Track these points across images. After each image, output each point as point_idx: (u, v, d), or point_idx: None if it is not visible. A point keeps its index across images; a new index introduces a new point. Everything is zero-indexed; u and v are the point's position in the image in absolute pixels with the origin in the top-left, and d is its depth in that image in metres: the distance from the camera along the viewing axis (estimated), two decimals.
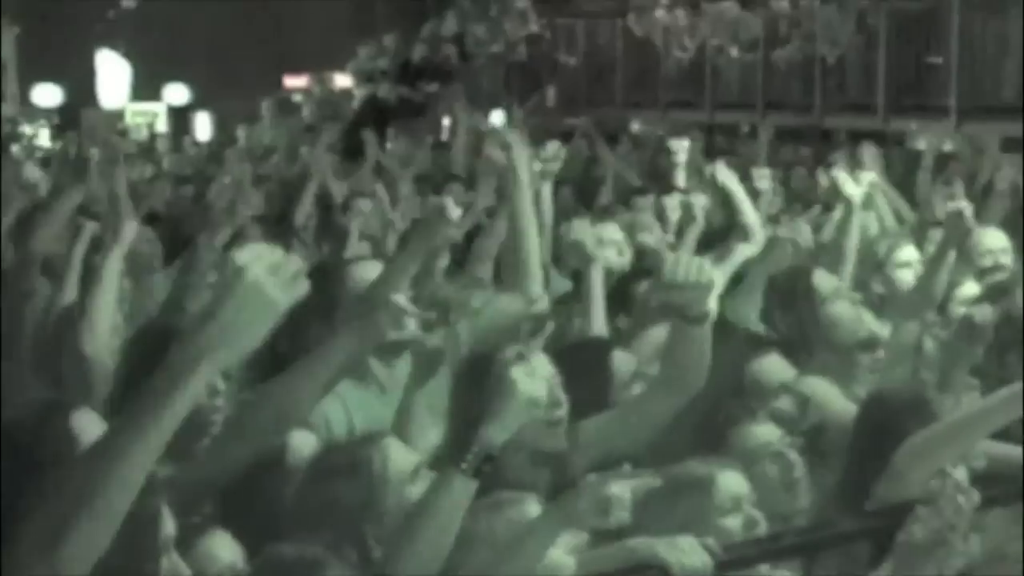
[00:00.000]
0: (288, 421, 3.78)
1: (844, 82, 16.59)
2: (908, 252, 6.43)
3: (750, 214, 7.51)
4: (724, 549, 3.27)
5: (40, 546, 2.35)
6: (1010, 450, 4.25)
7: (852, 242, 6.59)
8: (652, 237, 7.32)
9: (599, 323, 5.14)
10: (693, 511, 3.55)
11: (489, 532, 3.22)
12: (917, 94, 15.42)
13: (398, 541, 3.28)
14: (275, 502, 3.69)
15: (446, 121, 20.51)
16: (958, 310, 5.76)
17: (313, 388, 3.81)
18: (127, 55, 25.09)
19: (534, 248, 5.10)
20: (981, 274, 6.25)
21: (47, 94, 24.29)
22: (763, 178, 8.09)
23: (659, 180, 9.74)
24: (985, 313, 4.82)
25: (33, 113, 23.93)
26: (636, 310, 5.53)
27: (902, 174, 10.29)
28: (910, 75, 15.64)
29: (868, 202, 7.24)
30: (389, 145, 14.21)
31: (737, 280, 5.35)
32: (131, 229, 5.77)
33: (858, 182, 6.88)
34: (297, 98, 23.98)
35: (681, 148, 8.44)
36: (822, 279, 5.32)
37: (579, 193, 9.91)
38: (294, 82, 24.86)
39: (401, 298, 3.87)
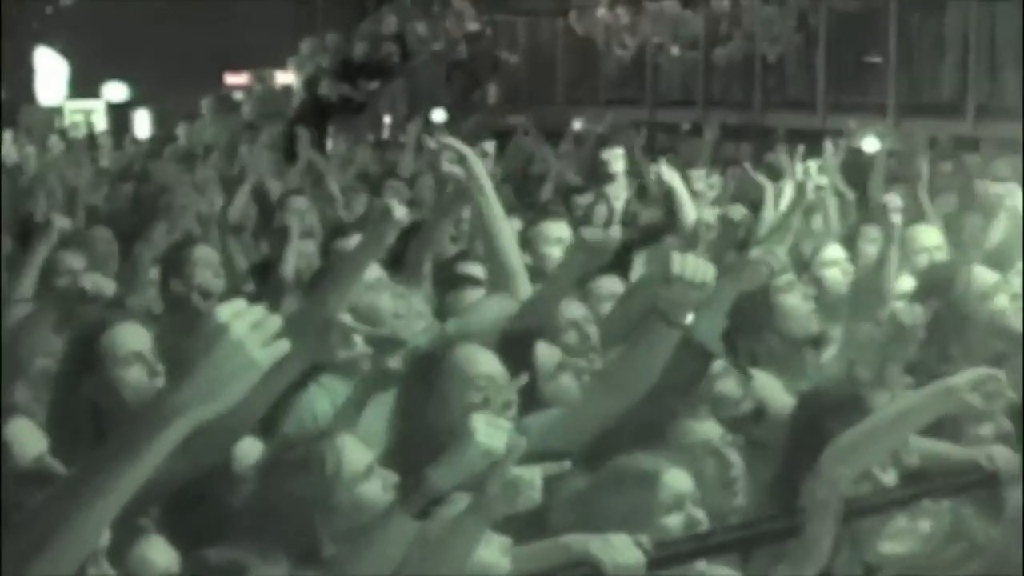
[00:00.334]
0: (234, 436, 3.75)
1: (784, 80, 16.70)
2: (833, 251, 6.48)
3: (690, 214, 7.55)
4: (657, 546, 3.28)
5: None
6: (943, 447, 4.29)
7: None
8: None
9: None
10: (636, 506, 3.55)
11: (420, 535, 3.20)
12: (856, 92, 15.55)
13: (340, 567, 3.26)
14: (219, 507, 3.67)
15: (387, 119, 20.49)
16: (894, 305, 5.81)
17: (260, 403, 3.78)
18: (65, 52, 24.91)
19: (513, 248, 5.12)
20: (917, 271, 6.30)
21: None
22: (699, 179, 8.12)
23: (600, 178, 9.76)
24: (916, 312, 4.85)
25: None
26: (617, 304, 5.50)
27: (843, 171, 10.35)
28: (849, 73, 15.76)
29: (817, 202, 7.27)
30: (330, 143, 14.18)
31: None
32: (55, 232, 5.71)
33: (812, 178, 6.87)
34: (238, 95, 23.87)
35: (615, 157, 8.47)
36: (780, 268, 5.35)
37: (519, 191, 9.91)
38: (235, 79, 24.76)
39: (348, 317, 3.86)
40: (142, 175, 12.23)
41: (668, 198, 7.77)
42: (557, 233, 6.44)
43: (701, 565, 3.56)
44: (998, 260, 6.14)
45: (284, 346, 2.32)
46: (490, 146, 6.67)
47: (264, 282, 7.04)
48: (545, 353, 4.51)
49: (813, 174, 6.70)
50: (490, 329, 4.76)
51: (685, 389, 4.16)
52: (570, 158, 12.38)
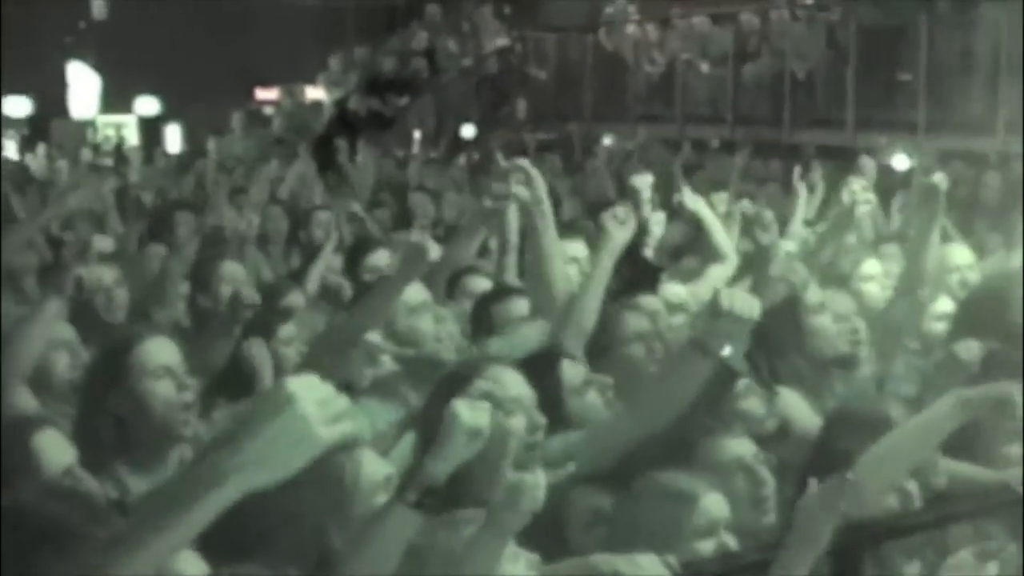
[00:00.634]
0: None
1: (813, 97, 16.65)
2: (871, 266, 6.45)
3: (721, 236, 7.52)
4: (684, 567, 3.25)
5: None
6: (971, 469, 4.26)
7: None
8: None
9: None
10: (669, 527, 3.54)
11: (446, 552, 3.20)
12: (886, 110, 15.49)
13: (340, 565, 3.26)
14: (245, 519, 3.67)
15: (416, 134, 20.51)
16: (933, 326, 5.77)
17: None
18: (97, 66, 25.01)
19: (563, 277, 5.17)
20: (952, 292, 6.24)
21: (17, 105, 24.18)
22: (721, 203, 8.07)
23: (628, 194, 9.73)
24: (972, 349, 4.80)
25: (3, 124, 23.83)
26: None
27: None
28: (879, 91, 15.70)
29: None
30: (359, 158, 14.21)
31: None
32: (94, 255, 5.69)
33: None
34: (268, 110, 23.93)
35: (645, 185, 8.43)
36: (810, 290, 5.31)
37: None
38: (265, 94, 24.82)
39: (375, 336, 3.87)
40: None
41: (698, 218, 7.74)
42: (572, 252, 6.43)
43: None
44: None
45: (348, 427, 2.34)
46: (524, 162, 6.69)
47: None
48: (571, 370, 4.51)
49: (859, 191, 6.58)
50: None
51: (709, 408, 4.15)
52: (600, 174, 12.38)
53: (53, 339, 4.90)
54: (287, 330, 5.28)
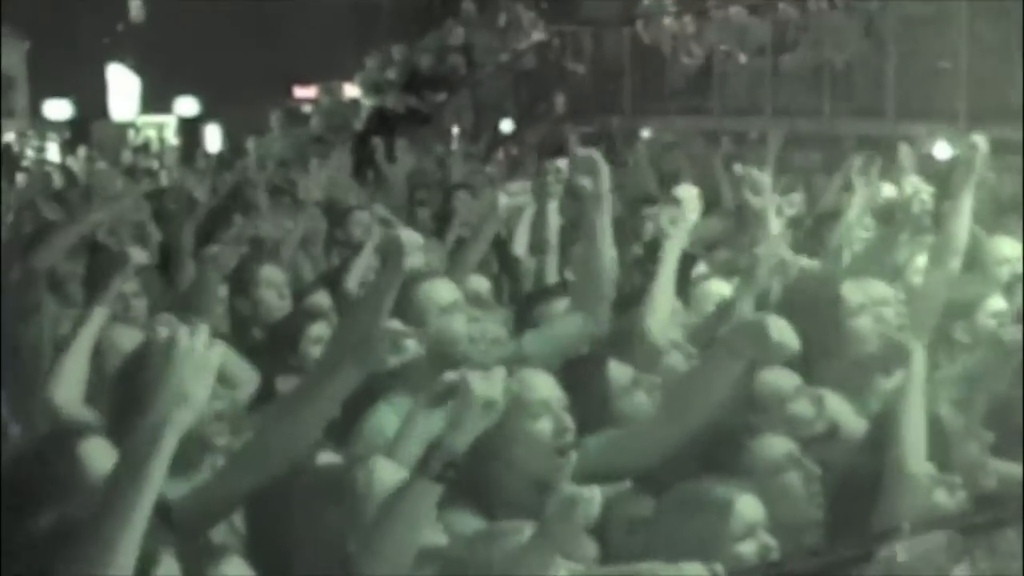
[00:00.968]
0: (295, 451, 3.76)
1: (853, 87, 16.55)
2: (924, 260, 6.34)
3: (773, 229, 7.46)
4: (730, 574, 3.22)
5: None
6: (1019, 470, 4.20)
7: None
8: None
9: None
10: (707, 534, 3.51)
11: (486, 564, 3.18)
12: (926, 98, 15.38)
13: (365, 546, 3.28)
14: (271, 534, 3.69)
15: (454, 130, 20.51)
16: (987, 322, 5.67)
17: (317, 417, 3.80)
18: (137, 68, 25.14)
19: (609, 274, 5.08)
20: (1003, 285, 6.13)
21: (58, 108, 24.33)
22: (794, 205, 7.96)
23: (669, 187, 9.67)
24: (1016, 333, 4.70)
25: (44, 127, 23.98)
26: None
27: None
28: (919, 79, 15.60)
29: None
30: (398, 155, 14.22)
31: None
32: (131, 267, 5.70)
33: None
34: (306, 109, 24.00)
35: (690, 197, 8.36)
36: (850, 291, 5.24)
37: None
38: (303, 93, 24.89)
39: (397, 323, 3.85)
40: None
41: (741, 210, 7.69)
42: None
43: None
44: None
45: (221, 348, 2.76)
46: (562, 163, 6.66)
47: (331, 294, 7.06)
48: (618, 370, 4.48)
49: (922, 188, 6.45)
50: (566, 347, 4.76)
51: (736, 394, 4.11)
52: (639, 168, 12.33)
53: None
54: (316, 330, 5.28)
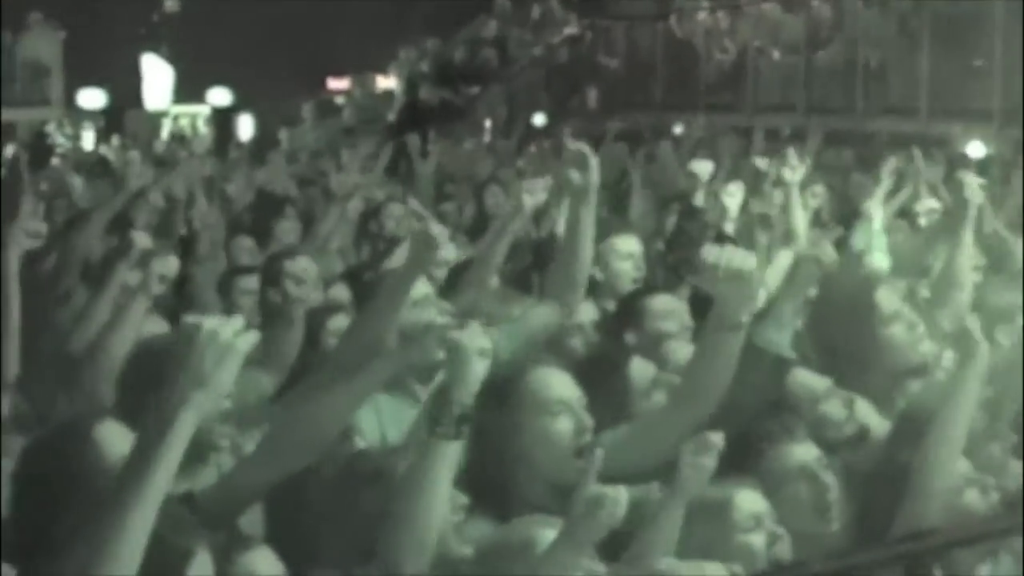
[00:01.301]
0: (324, 439, 3.78)
1: (886, 84, 16.50)
2: None
3: (798, 221, 7.46)
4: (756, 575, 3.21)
5: None
6: None
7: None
8: None
9: None
10: (713, 533, 3.51)
11: (510, 561, 3.18)
12: (960, 97, 15.33)
13: (390, 520, 3.29)
14: (307, 516, 3.70)
15: (487, 124, 20.51)
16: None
17: (350, 407, 3.82)
18: (170, 58, 25.16)
19: (586, 270, 5.02)
20: None
21: (92, 97, 24.39)
22: (817, 196, 7.92)
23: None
24: None
25: (79, 116, 24.06)
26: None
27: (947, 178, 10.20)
28: (953, 77, 15.54)
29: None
30: (430, 148, 14.22)
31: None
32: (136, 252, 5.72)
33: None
34: (339, 100, 24.00)
35: (704, 171, 8.34)
36: (885, 298, 5.20)
37: (611, 199, 9.85)
38: (336, 84, 24.88)
39: (441, 318, 3.87)
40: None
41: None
42: (628, 248, 6.38)
43: None
44: None
45: (252, 336, 2.69)
46: (594, 160, 6.66)
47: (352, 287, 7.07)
48: (639, 369, 4.47)
49: (972, 184, 6.36)
50: (537, 337, 4.74)
51: (765, 399, 4.09)
52: (668, 164, 12.31)
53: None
54: (335, 322, 5.29)
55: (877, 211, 7.60)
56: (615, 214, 9.13)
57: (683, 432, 3.78)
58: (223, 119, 25.06)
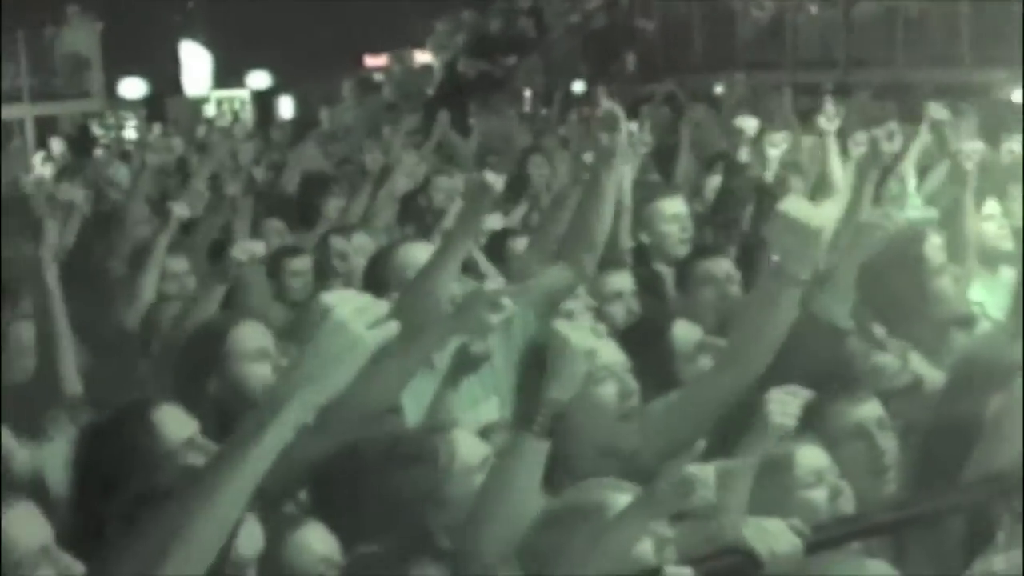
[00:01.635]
0: (374, 412, 3.78)
1: (927, 35, 16.36)
2: (991, 206, 6.30)
3: (838, 172, 7.44)
4: (813, 530, 3.19)
5: None
6: None
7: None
8: None
9: None
10: (775, 489, 3.47)
11: (576, 520, 3.16)
12: (1002, 44, 15.17)
13: (475, 514, 3.27)
14: (353, 500, 3.71)
15: (527, 93, 20.48)
16: None
17: (401, 379, 3.82)
18: (208, 44, 25.23)
19: (604, 227, 5.00)
20: None
21: (133, 87, 24.50)
22: (859, 144, 7.91)
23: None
24: None
25: (120, 106, 24.16)
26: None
27: (992, 126, 10.10)
28: (995, 25, 15.39)
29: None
30: (472, 120, 14.20)
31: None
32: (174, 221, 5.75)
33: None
34: (378, 77, 24.01)
35: (749, 127, 8.31)
36: (933, 250, 5.17)
37: (659, 161, 9.82)
38: (374, 61, 24.89)
39: (494, 287, 3.86)
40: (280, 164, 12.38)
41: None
42: (673, 210, 6.35)
43: (855, 548, 3.46)
44: None
45: (392, 327, 2.39)
46: (634, 126, 6.65)
47: None
48: (683, 333, 4.44)
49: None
50: (554, 298, 4.72)
51: (819, 370, 4.03)
52: (711, 125, 12.25)
53: None
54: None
55: (911, 169, 7.59)
56: (661, 176, 9.10)
57: (731, 394, 3.76)
58: (264, 101, 25.12)
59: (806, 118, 11.25)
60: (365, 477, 3.59)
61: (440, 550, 3.35)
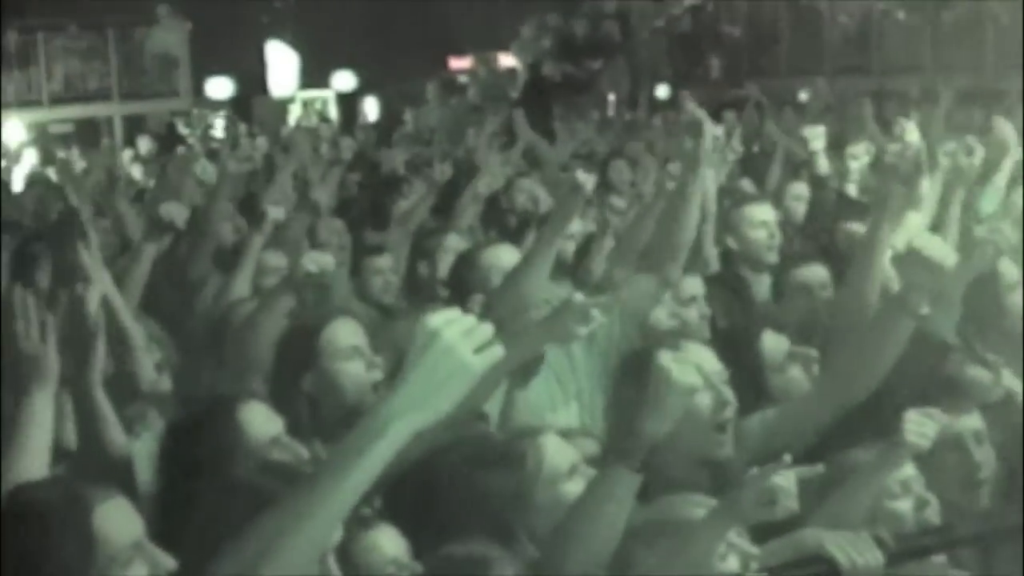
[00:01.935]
0: (463, 419, 3.78)
1: (1017, 41, 16.16)
2: None
3: (924, 183, 7.35)
4: (897, 540, 3.17)
5: None
6: None
7: None
8: None
9: None
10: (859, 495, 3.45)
11: (659, 534, 3.16)
12: None
13: (562, 536, 3.26)
14: (436, 499, 3.72)
15: (611, 97, 20.45)
16: None
17: (490, 386, 3.82)
18: (294, 44, 25.39)
19: (689, 235, 5.01)
20: None
21: (220, 87, 24.70)
22: (947, 154, 7.81)
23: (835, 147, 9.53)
24: None
25: (207, 106, 24.37)
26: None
27: None
28: None
29: None
30: (556, 124, 14.19)
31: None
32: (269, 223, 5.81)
33: None
34: (463, 79, 24.07)
35: (816, 136, 8.24)
36: (1007, 267, 5.13)
37: (746, 167, 9.77)
38: (459, 63, 24.96)
39: (580, 296, 3.88)
40: (370, 164, 12.45)
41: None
42: (762, 216, 6.34)
43: (940, 560, 3.43)
44: None
45: (497, 352, 2.35)
46: (719, 130, 6.63)
47: None
48: (772, 343, 4.43)
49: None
50: (640, 309, 4.70)
51: (921, 383, 4.01)
52: (795, 131, 12.16)
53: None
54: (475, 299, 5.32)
55: (1002, 180, 7.48)
56: (752, 182, 9.06)
57: (835, 413, 3.75)
58: (348, 103, 25.24)
59: (890, 125, 11.19)
60: (448, 480, 3.60)
61: (523, 555, 3.35)
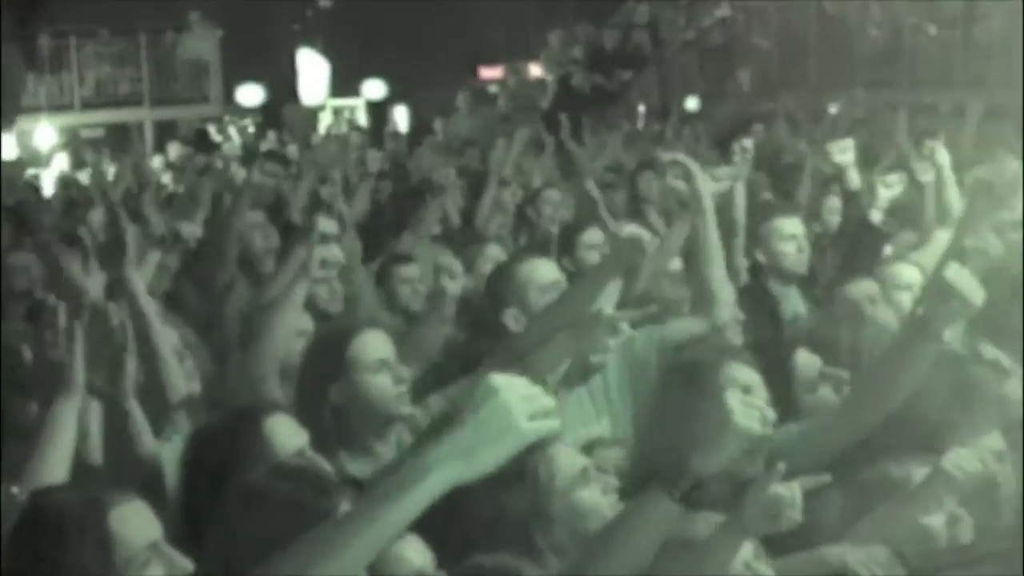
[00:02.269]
0: None
1: None
2: None
3: (955, 199, 7.32)
4: (920, 557, 3.16)
5: None
6: None
7: None
8: None
9: None
10: (891, 512, 3.43)
11: (677, 551, 3.14)
12: None
13: (591, 557, 3.24)
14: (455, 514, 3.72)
15: (641, 108, 20.46)
16: None
17: None
18: (325, 52, 25.47)
19: (720, 274, 4.99)
20: None
21: (250, 94, 24.79)
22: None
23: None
24: None
25: (237, 112, 24.46)
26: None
27: None
28: None
29: None
30: (586, 134, 14.18)
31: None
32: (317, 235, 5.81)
33: None
34: (493, 89, 24.12)
35: (844, 149, 8.21)
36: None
37: (775, 181, 9.76)
38: (489, 73, 25.01)
39: (609, 310, 3.86)
40: (400, 173, 12.47)
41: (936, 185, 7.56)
42: (791, 229, 6.34)
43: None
44: None
45: (552, 425, 2.39)
46: (748, 143, 6.63)
47: None
48: (805, 361, 4.42)
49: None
50: (678, 345, 4.70)
51: (940, 397, 4.01)
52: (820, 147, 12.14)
53: (296, 327, 5.02)
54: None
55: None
56: (780, 196, 9.04)
57: (858, 433, 3.74)
58: (378, 111, 25.30)
59: (922, 139, 11.15)
60: (469, 499, 3.60)
61: (548, 569, 3.34)
